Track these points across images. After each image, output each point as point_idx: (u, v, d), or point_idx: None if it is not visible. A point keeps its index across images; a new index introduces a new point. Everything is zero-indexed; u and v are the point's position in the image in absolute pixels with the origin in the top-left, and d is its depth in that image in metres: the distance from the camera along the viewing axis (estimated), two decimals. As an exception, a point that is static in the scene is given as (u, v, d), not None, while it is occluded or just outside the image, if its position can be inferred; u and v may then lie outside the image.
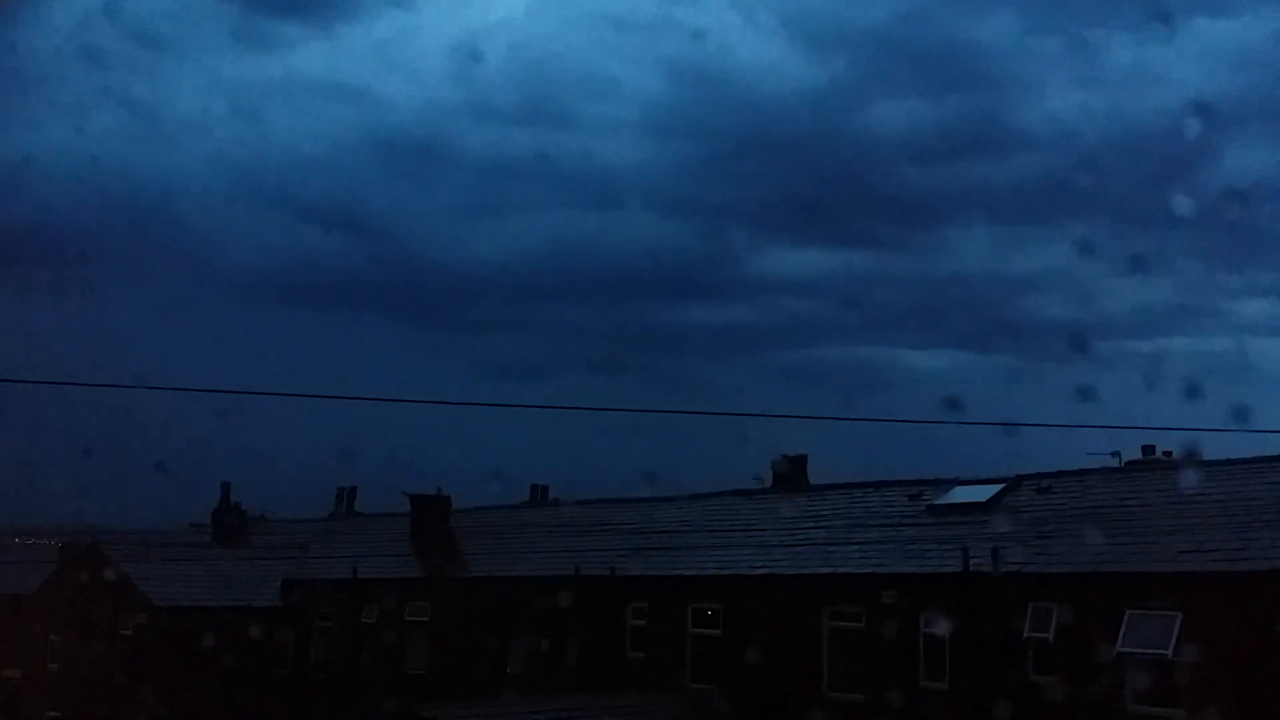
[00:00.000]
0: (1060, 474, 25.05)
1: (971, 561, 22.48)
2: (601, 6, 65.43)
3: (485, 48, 63.22)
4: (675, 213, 66.75)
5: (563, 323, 69.07)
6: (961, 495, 25.60)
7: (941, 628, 22.44)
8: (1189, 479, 22.04)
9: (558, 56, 63.24)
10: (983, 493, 25.25)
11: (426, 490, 35.59)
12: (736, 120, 60.62)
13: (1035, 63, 54.73)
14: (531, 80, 64.40)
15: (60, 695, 36.31)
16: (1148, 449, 25.70)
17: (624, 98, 63.70)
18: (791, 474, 30.33)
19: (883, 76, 58.81)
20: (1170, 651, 19.34)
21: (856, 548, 25.54)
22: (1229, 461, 22.25)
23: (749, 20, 58.59)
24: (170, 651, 33.84)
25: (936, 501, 25.87)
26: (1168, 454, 25.33)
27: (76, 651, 36.51)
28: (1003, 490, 25.19)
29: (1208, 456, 22.43)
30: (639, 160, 61.62)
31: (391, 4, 66.57)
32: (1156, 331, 52.76)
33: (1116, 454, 25.92)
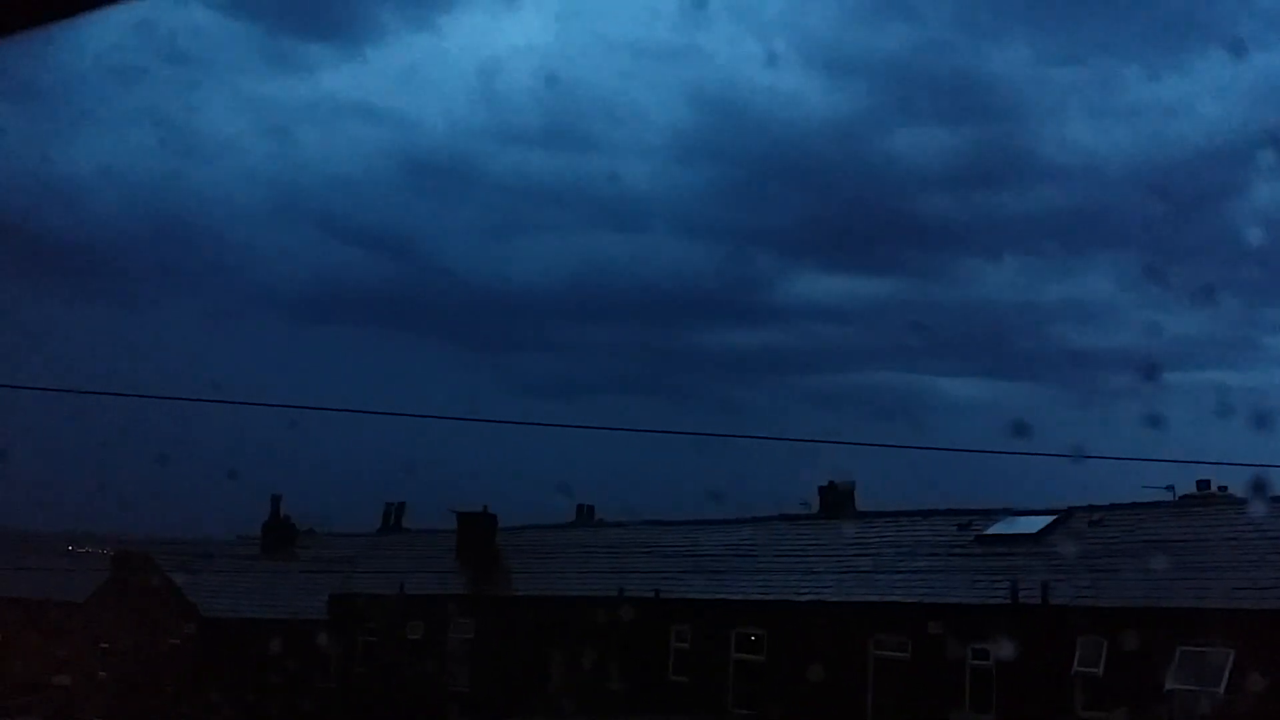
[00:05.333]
0: (1113, 507, 24.75)
1: (1020, 593, 22.24)
2: (623, 33, 66.37)
3: (511, 72, 64.44)
4: (703, 237, 67.19)
5: (598, 343, 69.44)
6: (1011, 526, 25.36)
7: (989, 660, 22.21)
8: (1244, 514, 21.71)
9: (582, 82, 64.14)
10: (1033, 524, 24.99)
11: (473, 508, 35.73)
12: (760, 146, 61.01)
13: (1057, 92, 54.60)
14: (557, 104, 65.41)
15: (109, 703, 36.69)
16: (1202, 483, 25.32)
17: (648, 122, 64.30)
18: (840, 500, 30.16)
19: (904, 104, 58.86)
20: (1223, 689, 19.02)
21: (903, 576, 25.34)
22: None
23: (767, 48, 59.20)
24: (217, 662, 34.11)
25: (986, 532, 25.63)
26: (1223, 489, 24.95)
27: (126, 660, 36.90)
28: (1054, 522, 24.91)
29: (1262, 492, 22.08)
30: (665, 184, 62.17)
31: (417, 28, 67.76)
32: (1192, 364, 52.14)
33: (1170, 488, 25.58)
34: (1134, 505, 24.73)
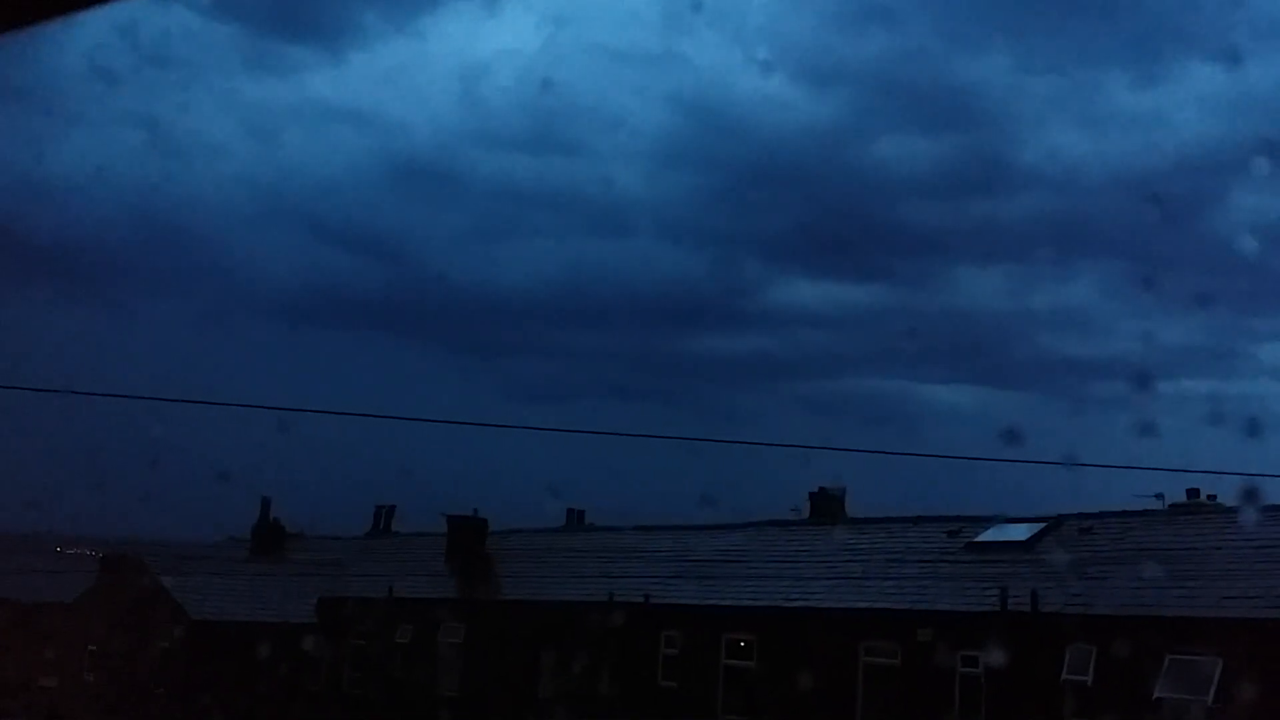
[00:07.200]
0: (1103, 515, 24.78)
1: (1010, 601, 22.23)
2: (606, 39, 66.69)
3: (496, 77, 64.80)
4: (691, 242, 67.37)
5: (587, 348, 69.56)
6: (1001, 533, 25.37)
7: (978, 667, 22.21)
8: (1234, 523, 21.75)
9: (567, 87, 64.46)
10: (1023, 531, 25.01)
11: (463, 511, 35.69)
12: (745, 153, 61.34)
13: (1040, 100, 54.92)
14: (542, 109, 65.74)
15: (96, 705, 36.56)
16: (1192, 492, 25.37)
17: (633, 128, 64.49)
18: (830, 506, 30.17)
19: (887, 112, 59.11)
20: (1210, 698, 19.04)
21: (893, 583, 25.34)
22: (1275, 507, 21.94)
23: (751, 56, 59.57)
24: (206, 665, 34.00)
25: (976, 539, 25.63)
26: (1212, 498, 25.00)
27: (114, 662, 36.77)
28: (1043, 530, 24.93)
29: (1252, 501, 22.13)
30: (652, 190, 62.38)
31: (400, 32, 67.95)
32: (1181, 372, 52.36)
33: (1160, 496, 25.64)
34: (1124, 513, 24.77)
